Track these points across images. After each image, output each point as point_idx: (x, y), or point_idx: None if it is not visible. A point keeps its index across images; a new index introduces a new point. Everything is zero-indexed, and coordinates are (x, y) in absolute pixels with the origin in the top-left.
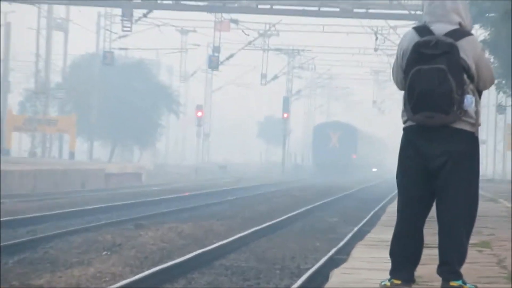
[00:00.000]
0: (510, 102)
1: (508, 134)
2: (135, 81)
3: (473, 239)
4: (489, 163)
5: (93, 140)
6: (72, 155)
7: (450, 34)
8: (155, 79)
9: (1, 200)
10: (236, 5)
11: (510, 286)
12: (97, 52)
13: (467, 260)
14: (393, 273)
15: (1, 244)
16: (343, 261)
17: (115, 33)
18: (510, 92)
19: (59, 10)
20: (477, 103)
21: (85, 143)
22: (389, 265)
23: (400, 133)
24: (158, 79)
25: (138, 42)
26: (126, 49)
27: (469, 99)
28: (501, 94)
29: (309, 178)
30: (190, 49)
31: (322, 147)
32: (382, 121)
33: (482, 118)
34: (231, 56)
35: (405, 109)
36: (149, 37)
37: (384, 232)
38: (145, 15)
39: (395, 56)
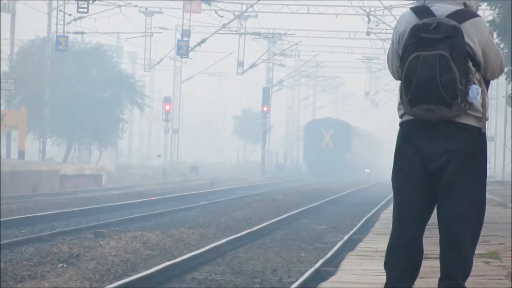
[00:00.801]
0: None
1: None
2: (93, 70)
3: (479, 249)
4: (498, 162)
5: (45, 138)
6: (22, 154)
7: (453, 15)
8: (116, 68)
9: None
10: None
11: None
12: (49, 36)
13: (472, 272)
14: (389, 287)
15: None
16: (332, 273)
17: (70, 14)
18: None
19: None
20: (483, 95)
21: (37, 141)
22: (383, 279)
23: (396, 129)
24: (120, 68)
25: (96, 25)
26: (82, 33)
27: (474, 90)
28: (511, 84)
29: (294, 180)
30: (156, 33)
31: (314, 146)
32: (376, 115)
33: (490, 112)
34: (203, 41)
35: (402, 102)
36: (109, 19)
37: (377, 241)
38: None
39: (390, 41)
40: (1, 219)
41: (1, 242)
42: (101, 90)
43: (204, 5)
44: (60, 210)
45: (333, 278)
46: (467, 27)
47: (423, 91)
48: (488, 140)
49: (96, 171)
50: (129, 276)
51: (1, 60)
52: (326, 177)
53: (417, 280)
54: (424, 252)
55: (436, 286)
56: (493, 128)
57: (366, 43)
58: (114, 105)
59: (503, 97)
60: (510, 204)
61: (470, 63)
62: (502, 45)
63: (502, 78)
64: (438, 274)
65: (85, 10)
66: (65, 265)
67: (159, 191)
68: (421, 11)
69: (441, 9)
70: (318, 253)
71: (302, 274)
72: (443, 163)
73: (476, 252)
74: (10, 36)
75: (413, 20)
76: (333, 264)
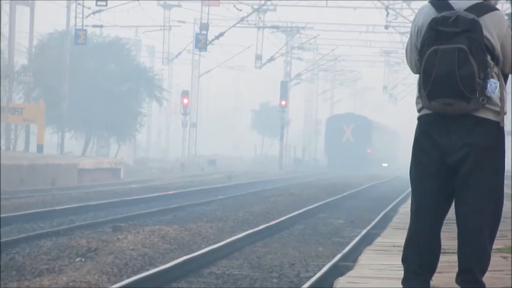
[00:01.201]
0: None
1: None
2: (111, 64)
3: (497, 244)
4: None
5: (64, 131)
6: (40, 148)
7: (472, 9)
8: (134, 61)
9: None
10: None
11: None
12: (68, 30)
13: (490, 267)
14: (406, 282)
15: None
16: (349, 268)
17: (89, 8)
18: None
19: None
20: (502, 89)
21: (55, 135)
22: (401, 273)
23: (414, 123)
24: (138, 61)
25: (115, 18)
26: (101, 26)
27: (493, 84)
28: None
29: (312, 174)
30: (174, 26)
31: (335, 140)
32: (394, 109)
33: (508, 106)
34: (221, 34)
35: (420, 96)
36: (127, 12)
37: (395, 236)
38: None
39: (409, 35)
40: (20, 213)
41: (20, 236)
42: (120, 84)
43: None
44: (78, 204)
45: (350, 273)
46: (486, 21)
47: (441, 85)
48: (506, 134)
49: (114, 165)
50: (147, 270)
51: (21, 53)
52: (346, 170)
53: (435, 275)
54: (442, 247)
55: (454, 281)
56: (511, 122)
57: (385, 37)
58: (132, 98)
59: None
60: None
61: (489, 57)
62: None
63: None
64: (456, 269)
65: (104, 3)
66: (83, 259)
67: (177, 185)
68: (440, 4)
69: (460, 3)
70: (336, 248)
71: (320, 268)
72: (461, 157)
73: (494, 247)
74: (29, 29)
75: (432, 13)
76: (351, 259)
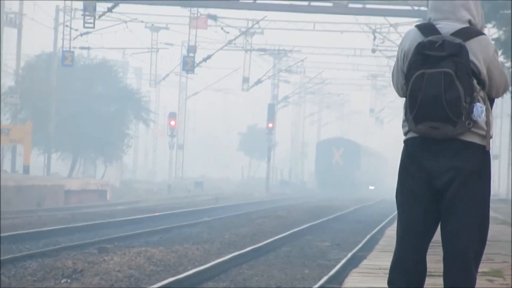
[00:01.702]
0: None
1: None
2: (98, 85)
3: (483, 267)
4: (503, 181)
5: (50, 152)
6: (26, 169)
7: (458, 33)
8: (121, 83)
9: None
10: None
11: None
12: (55, 51)
13: None
14: None
15: None
16: None
17: (76, 30)
18: None
19: (12, 3)
20: (488, 113)
21: (42, 156)
22: None
23: (401, 146)
24: (125, 83)
25: (102, 40)
26: (88, 48)
27: (479, 108)
28: None
29: (299, 196)
30: (161, 48)
31: (325, 163)
32: (380, 132)
33: (495, 130)
34: (209, 57)
35: (406, 119)
36: (115, 35)
37: (381, 259)
38: (110, 10)
39: (395, 59)
40: (6, 234)
41: (5, 257)
42: (107, 105)
43: (210, 21)
44: (65, 225)
45: None
46: (472, 45)
47: (427, 108)
48: (492, 158)
49: (101, 187)
50: None
51: (8, 75)
52: (335, 193)
53: None
54: (428, 270)
55: None
56: (498, 146)
57: (372, 61)
58: (119, 120)
59: (508, 115)
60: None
61: (475, 81)
62: (507, 64)
63: (507, 96)
64: None
65: (92, 25)
66: (69, 280)
67: (164, 207)
68: (426, 28)
69: (446, 27)
70: (322, 270)
71: None
72: (447, 180)
73: (480, 270)
74: (16, 50)
75: (418, 37)
76: (337, 281)
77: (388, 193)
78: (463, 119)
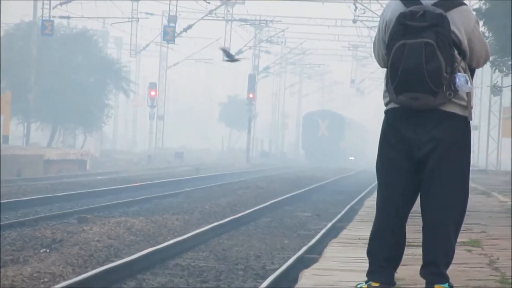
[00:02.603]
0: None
1: (504, 119)
2: (78, 55)
3: (462, 237)
4: (482, 151)
5: (30, 122)
6: (6, 139)
7: (440, 3)
8: (101, 53)
9: None
10: None
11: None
12: (34, 21)
13: (454, 260)
14: (371, 274)
15: None
16: (315, 261)
17: None
18: (507, 71)
19: None
20: (469, 83)
21: (21, 126)
22: (366, 266)
23: (381, 118)
24: (105, 53)
25: (82, 10)
26: (68, 17)
27: (461, 78)
28: (496, 73)
29: (279, 167)
30: (142, 18)
31: (311, 134)
32: (362, 103)
33: (474, 101)
34: (189, 27)
35: (387, 90)
36: (95, 4)
37: (361, 229)
38: None
39: (377, 29)
40: None
41: None
42: (87, 75)
43: None
44: (44, 195)
45: (316, 265)
46: (453, 16)
47: (408, 79)
48: (472, 129)
49: (80, 156)
50: (112, 261)
51: None
52: (322, 162)
53: (400, 267)
54: (407, 240)
55: (418, 274)
56: (477, 117)
57: (353, 31)
58: (99, 90)
59: (488, 86)
60: (496, 193)
61: (456, 52)
62: (487, 34)
63: (487, 67)
64: (421, 262)
65: None
66: (48, 250)
67: (144, 177)
68: None
69: None
70: (301, 240)
71: (286, 261)
72: (427, 151)
73: (458, 240)
74: None
75: (400, 8)
76: (316, 251)
77: (368, 163)
78: (444, 89)
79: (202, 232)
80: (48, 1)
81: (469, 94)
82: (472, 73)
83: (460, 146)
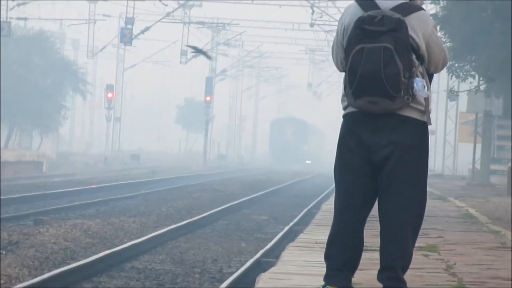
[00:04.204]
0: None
1: (460, 124)
2: (35, 56)
3: (419, 242)
4: (438, 156)
5: None
6: None
7: (398, 8)
8: (58, 54)
9: None
10: None
11: None
12: None
13: (411, 265)
14: (328, 278)
15: None
16: (272, 264)
17: (13, 0)
18: (463, 76)
19: None
20: (427, 88)
21: None
22: (323, 270)
23: (338, 122)
24: (62, 54)
25: (40, 11)
26: (25, 19)
27: (419, 83)
28: (453, 78)
29: (236, 170)
30: (99, 20)
31: (278, 139)
32: (319, 107)
33: (431, 106)
34: (147, 29)
35: (346, 94)
36: (52, 5)
37: (318, 233)
38: None
39: (335, 33)
40: None
41: None
42: (43, 76)
43: None
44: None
45: (273, 269)
46: (411, 20)
47: (367, 83)
48: (429, 133)
49: (37, 158)
50: (69, 264)
51: None
52: (288, 164)
53: (357, 272)
54: (364, 244)
55: (376, 278)
56: (434, 121)
57: (310, 35)
58: (56, 91)
59: (444, 90)
60: (452, 198)
61: (414, 56)
62: (444, 39)
63: (444, 71)
64: (378, 266)
65: None
66: (4, 252)
67: (100, 179)
68: (366, 3)
69: (386, 3)
70: (258, 244)
71: (243, 264)
72: (385, 155)
73: (416, 245)
74: None
75: (358, 12)
76: (273, 255)
77: (324, 167)
78: (402, 94)
79: (159, 235)
80: (6, 2)
81: (427, 99)
82: (430, 78)
83: (418, 150)
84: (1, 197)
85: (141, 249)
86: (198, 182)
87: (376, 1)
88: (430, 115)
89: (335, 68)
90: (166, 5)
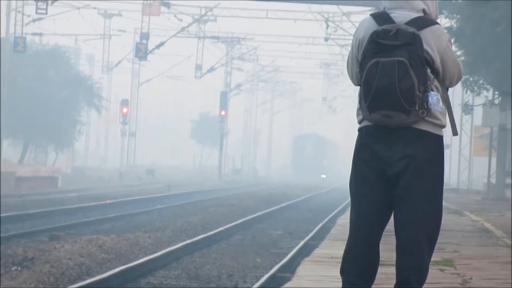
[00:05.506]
0: (481, 101)
1: (475, 138)
2: (50, 71)
3: (434, 257)
4: (453, 170)
5: (1, 139)
6: None
7: (413, 22)
8: (73, 69)
9: None
10: None
11: None
12: (7, 37)
13: (427, 280)
14: None
15: None
16: (287, 279)
17: (28, 15)
18: (478, 90)
19: None
20: (442, 102)
21: None
22: (339, 285)
23: (352, 135)
24: (78, 69)
25: (55, 26)
26: (40, 34)
27: (434, 97)
28: (468, 92)
29: (251, 184)
30: (114, 35)
31: (300, 154)
32: (334, 121)
33: (446, 120)
34: (162, 44)
35: (361, 107)
36: (68, 21)
37: (333, 247)
38: None
39: (350, 47)
40: None
41: None
42: (58, 92)
43: (163, 8)
44: (15, 213)
45: (288, 284)
46: (426, 34)
47: (381, 97)
48: (444, 147)
49: (52, 173)
50: (84, 279)
51: None
52: (309, 177)
53: (373, 286)
54: (380, 259)
55: None
56: (449, 135)
57: (324, 49)
58: (71, 106)
59: (459, 104)
60: (468, 213)
61: (429, 70)
62: (458, 53)
63: (458, 85)
64: (394, 281)
65: (44, 11)
66: (19, 268)
67: (115, 194)
68: (381, 17)
69: (401, 16)
70: (274, 259)
71: (258, 279)
72: (401, 168)
73: (431, 259)
74: None
75: (373, 26)
76: (289, 270)
77: (339, 181)
78: (417, 108)
79: (174, 250)
80: (21, 18)
81: (442, 113)
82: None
83: (433, 163)
84: (17, 213)
85: (156, 265)
86: (213, 196)
87: (391, 15)
88: (448, 126)
89: (349, 82)
90: (181, 20)
